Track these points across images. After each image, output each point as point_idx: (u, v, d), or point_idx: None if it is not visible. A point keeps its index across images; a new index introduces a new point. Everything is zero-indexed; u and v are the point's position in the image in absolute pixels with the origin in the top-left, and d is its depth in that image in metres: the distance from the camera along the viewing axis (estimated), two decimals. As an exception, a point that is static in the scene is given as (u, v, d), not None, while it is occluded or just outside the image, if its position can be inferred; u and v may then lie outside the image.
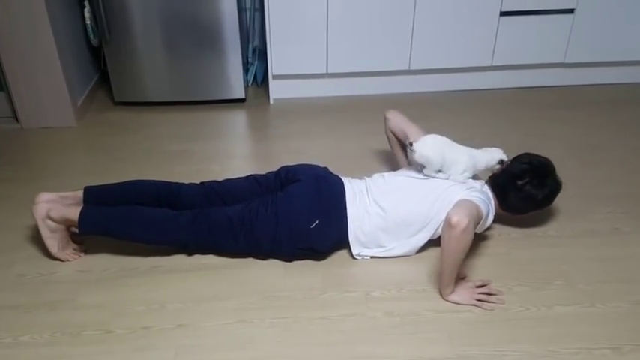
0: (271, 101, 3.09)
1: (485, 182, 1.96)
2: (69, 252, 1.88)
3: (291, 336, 1.59)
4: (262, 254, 1.85)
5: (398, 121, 2.08)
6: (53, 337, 1.59)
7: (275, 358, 1.52)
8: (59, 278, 1.81)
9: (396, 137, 2.12)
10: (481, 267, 1.85)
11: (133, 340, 1.58)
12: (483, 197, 1.80)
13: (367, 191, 1.87)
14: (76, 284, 1.78)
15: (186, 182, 1.97)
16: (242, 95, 3.03)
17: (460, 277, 1.74)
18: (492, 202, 1.89)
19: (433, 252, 1.87)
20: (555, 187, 1.91)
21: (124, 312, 1.67)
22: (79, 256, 1.89)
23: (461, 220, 1.56)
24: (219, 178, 1.99)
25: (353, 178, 1.96)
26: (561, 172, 1.92)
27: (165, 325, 1.63)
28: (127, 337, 1.59)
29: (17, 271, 1.84)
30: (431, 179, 1.88)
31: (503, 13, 2.93)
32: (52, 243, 1.84)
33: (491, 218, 1.85)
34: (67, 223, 1.85)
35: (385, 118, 2.13)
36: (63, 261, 1.87)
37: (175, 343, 1.57)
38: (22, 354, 1.54)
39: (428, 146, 1.84)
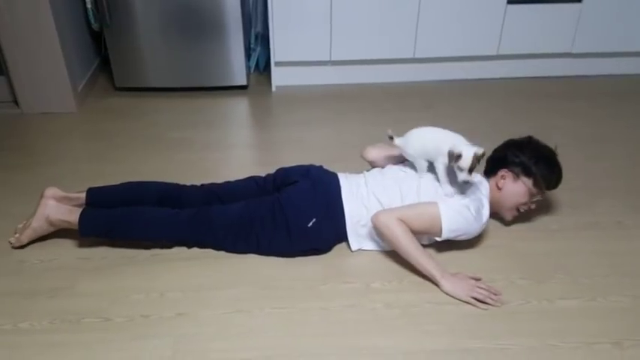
0: (273, 88, 3.07)
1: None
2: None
3: (290, 326, 1.59)
4: (262, 254, 1.84)
5: (379, 156, 1.99)
6: (52, 325, 1.59)
7: (273, 348, 1.52)
8: (59, 265, 1.81)
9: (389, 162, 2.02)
10: (483, 259, 1.83)
11: (132, 328, 1.58)
12: (467, 202, 1.76)
13: (366, 185, 1.85)
14: (76, 271, 1.78)
15: (187, 170, 1.96)
16: (244, 82, 3.00)
17: (474, 278, 1.72)
18: (486, 200, 1.83)
19: (434, 245, 1.86)
20: (539, 157, 1.85)
21: (123, 300, 1.67)
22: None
23: (376, 216, 1.73)
24: (220, 166, 1.98)
25: (351, 173, 1.94)
26: (565, 164, 1.90)
27: (164, 314, 1.62)
28: (126, 325, 1.59)
29: (17, 258, 1.84)
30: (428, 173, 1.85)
31: (510, 1, 2.90)
32: (31, 235, 1.85)
33: (483, 219, 1.79)
34: (65, 226, 1.85)
35: (368, 162, 2.03)
36: (12, 243, 1.86)
37: (174, 332, 1.56)
38: (21, 341, 1.54)
39: (409, 142, 1.83)
